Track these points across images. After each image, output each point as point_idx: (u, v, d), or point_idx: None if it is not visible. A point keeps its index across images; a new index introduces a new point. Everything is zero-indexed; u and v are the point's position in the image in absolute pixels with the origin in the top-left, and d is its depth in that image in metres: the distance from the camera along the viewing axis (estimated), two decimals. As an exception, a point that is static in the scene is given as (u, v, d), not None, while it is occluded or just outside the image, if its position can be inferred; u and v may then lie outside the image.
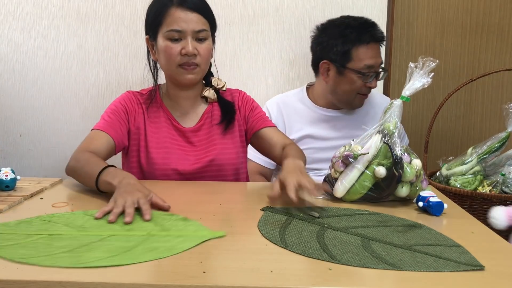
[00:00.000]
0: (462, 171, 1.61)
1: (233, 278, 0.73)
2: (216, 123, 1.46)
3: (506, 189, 1.53)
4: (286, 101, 1.81)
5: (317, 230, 0.94)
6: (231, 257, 0.83)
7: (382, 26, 1.88)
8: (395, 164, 1.10)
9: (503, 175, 1.55)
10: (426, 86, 1.18)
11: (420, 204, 1.08)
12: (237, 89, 1.55)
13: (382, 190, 1.12)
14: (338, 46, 1.67)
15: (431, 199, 1.06)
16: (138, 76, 1.87)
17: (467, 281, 0.73)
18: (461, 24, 2.10)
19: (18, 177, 1.23)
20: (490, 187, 1.55)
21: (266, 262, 0.79)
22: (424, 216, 1.07)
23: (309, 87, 1.84)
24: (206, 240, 0.88)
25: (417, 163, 1.14)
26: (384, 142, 1.15)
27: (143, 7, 1.97)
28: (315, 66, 1.78)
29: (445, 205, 1.07)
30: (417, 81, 1.18)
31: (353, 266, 0.78)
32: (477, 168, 1.60)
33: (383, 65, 1.71)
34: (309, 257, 0.81)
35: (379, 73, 1.69)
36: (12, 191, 1.20)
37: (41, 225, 0.95)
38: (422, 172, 1.15)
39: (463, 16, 2.09)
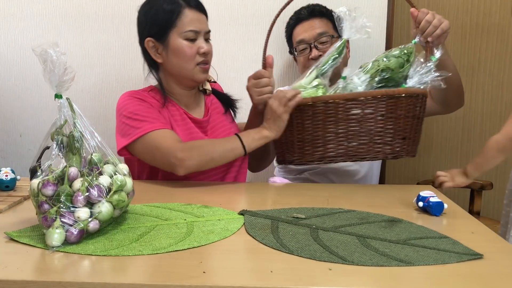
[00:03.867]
0: (301, 84, 1.42)
1: (233, 278, 0.73)
2: (223, 113, 1.55)
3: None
4: None
5: (309, 232, 0.92)
6: (231, 257, 0.83)
7: (382, 26, 1.88)
8: None
9: (344, 78, 1.38)
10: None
11: (420, 204, 1.08)
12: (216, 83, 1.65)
13: None
14: (286, 37, 1.84)
15: (431, 199, 1.07)
16: (138, 76, 1.87)
17: (470, 271, 0.74)
18: (461, 24, 2.10)
19: (18, 177, 1.23)
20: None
21: (266, 262, 0.79)
22: (424, 216, 1.07)
23: None
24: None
25: None
26: None
27: (143, 7, 1.96)
28: None
29: (445, 205, 1.07)
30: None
31: (368, 266, 0.77)
32: (319, 80, 1.40)
33: (328, 34, 1.69)
34: (319, 260, 0.79)
35: (315, 43, 1.69)
36: (12, 191, 1.20)
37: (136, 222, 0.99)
38: None
39: (463, 16, 2.09)
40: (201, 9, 1.42)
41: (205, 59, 1.42)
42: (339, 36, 1.75)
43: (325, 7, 1.77)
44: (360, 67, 1.40)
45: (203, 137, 1.46)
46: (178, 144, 1.31)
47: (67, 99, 0.92)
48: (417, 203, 1.10)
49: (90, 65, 1.94)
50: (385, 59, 1.35)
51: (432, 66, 1.32)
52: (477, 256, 0.81)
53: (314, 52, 1.70)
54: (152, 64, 1.46)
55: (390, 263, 0.78)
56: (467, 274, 0.75)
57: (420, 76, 1.32)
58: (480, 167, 1.32)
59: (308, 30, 1.72)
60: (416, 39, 1.40)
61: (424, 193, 1.10)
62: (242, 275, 0.75)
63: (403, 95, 1.28)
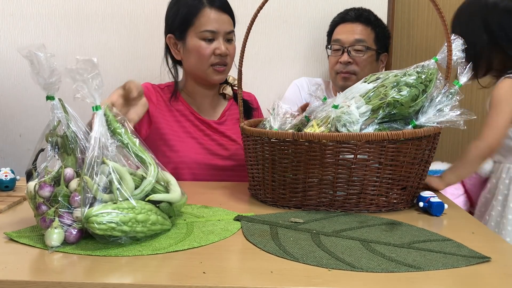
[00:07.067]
0: None
1: (233, 278, 0.73)
2: (238, 120, 1.51)
3: (343, 128, 1.07)
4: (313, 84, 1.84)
5: (310, 238, 0.90)
6: (231, 258, 0.83)
7: (383, 26, 1.88)
8: None
9: (336, 106, 1.08)
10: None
11: (421, 204, 1.08)
12: (249, 92, 1.63)
13: None
14: (328, 31, 1.81)
15: (432, 199, 1.06)
16: (138, 76, 1.86)
17: (478, 274, 0.74)
18: (461, 24, 2.09)
19: (18, 177, 1.23)
20: (322, 127, 1.10)
21: (266, 262, 0.79)
22: (424, 216, 1.06)
23: None
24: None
25: None
26: None
27: (143, 7, 1.97)
28: None
29: (446, 205, 1.07)
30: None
31: (377, 272, 0.75)
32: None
33: (364, 44, 1.68)
34: (327, 268, 0.76)
35: (349, 48, 1.68)
36: (11, 191, 1.20)
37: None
38: None
39: (463, 16, 2.08)
40: (224, 9, 1.41)
41: (221, 60, 1.41)
42: (377, 50, 1.71)
43: (375, 16, 1.73)
44: (365, 80, 1.16)
45: (211, 138, 1.46)
46: None
47: (60, 100, 0.92)
48: (417, 203, 1.10)
49: (90, 65, 1.94)
50: (395, 89, 1.08)
51: (455, 99, 1.08)
52: (485, 259, 0.80)
53: (345, 57, 1.68)
54: (174, 60, 1.49)
55: (399, 269, 0.76)
56: (476, 278, 0.75)
57: (437, 112, 1.08)
58: (456, 170, 1.29)
59: (348, 32, 1.69)
60: (439, 56, 1.13)
61: (425, 193, 1.10)
62: (242, 275, 0.74)
63: (411, 138, 1.04)
